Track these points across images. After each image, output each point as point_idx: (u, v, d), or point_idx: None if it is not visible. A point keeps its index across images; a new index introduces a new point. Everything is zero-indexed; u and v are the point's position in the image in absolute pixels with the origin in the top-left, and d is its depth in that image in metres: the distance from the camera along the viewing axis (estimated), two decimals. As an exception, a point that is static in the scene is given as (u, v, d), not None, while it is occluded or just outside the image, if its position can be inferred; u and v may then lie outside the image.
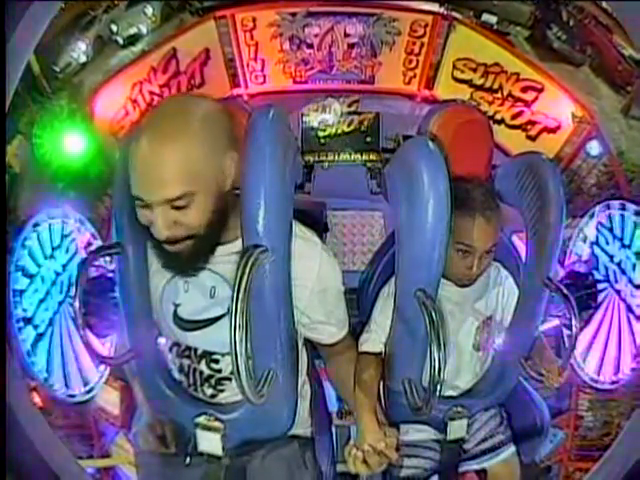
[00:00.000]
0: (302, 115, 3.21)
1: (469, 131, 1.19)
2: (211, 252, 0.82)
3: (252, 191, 0.79)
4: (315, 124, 3.23)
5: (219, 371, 0.92)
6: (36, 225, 1.75)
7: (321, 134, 3.23)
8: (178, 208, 0.75)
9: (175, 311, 0.90)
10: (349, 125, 3.23)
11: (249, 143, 0.80)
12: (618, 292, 1.90)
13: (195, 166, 0.74)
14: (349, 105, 3.23)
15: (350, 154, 3.22)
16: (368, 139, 3.22)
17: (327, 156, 3.22)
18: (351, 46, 3.13)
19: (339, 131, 3.22)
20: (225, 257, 0.85)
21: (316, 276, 0.89)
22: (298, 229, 0.90)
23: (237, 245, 0.83)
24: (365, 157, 3.22)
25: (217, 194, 0.78)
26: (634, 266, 1.89)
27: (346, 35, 3.11)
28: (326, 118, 3.22)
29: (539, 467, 2.03)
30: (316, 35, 3.10)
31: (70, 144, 2.19)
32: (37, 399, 1.78)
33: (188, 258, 0.80)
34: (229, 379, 0.92)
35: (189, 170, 0.74)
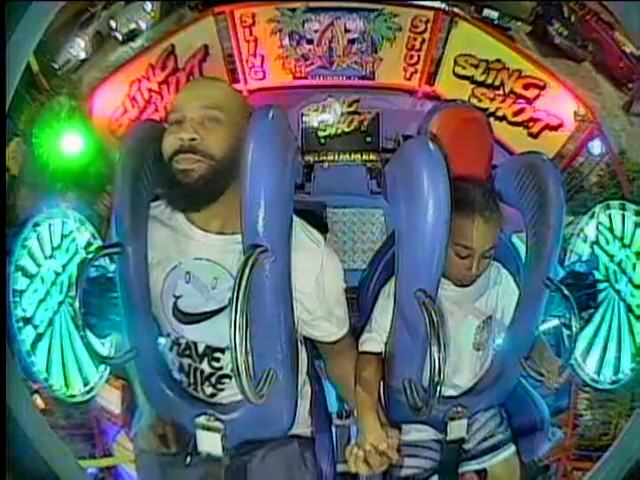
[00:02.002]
0: (302, 115, 3.20)
1: (469, 131, 1.19)
2: (213, 197, 0.84)
3: (252, 191, 0.79)
4: (315, 124, 3.23)
5: (220, 368, 0.92)
6: (36, 225, 1.75)
7: (321, 134, 3.23)
8: (209, 123, 0.83)
9: (175, 303, 0.90)
10: (349, 125, 3.23)
11: (249, 143, 0.79)
12: (618, 292, 1.90)
13: (229, 103, 0.86)
14: (349, 105, 3.23)
15: (350, 154, 3.22)
16: (368, 139, 3.22)
17: (327, 156, 3.22)
18: (351, 42, 3.11)
19: (339, 131, 3.22)
20: (228, 246, 0.86)
21: (319, 269, 0.89)
22: (301, 225, 0.90)
23: (239, 237, 0.83)
24: (365, 157, 3.22)
25: (238, 143, 0.82)
26: (634, 266, 1.89)
27: (346, 31, 3.09)
28: (326, 118, 3.22)
29: (537, 466, 2.04)
30: (316, 31, 3.08)
31: (69, 143, 2.19)
32: (39, 400, 1.78)
33: (197, 183, 0.81)
34: (230, 377, 0.92)
35: (225, 103, 0.85)
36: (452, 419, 1.09)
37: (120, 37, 3.64)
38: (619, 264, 1.90)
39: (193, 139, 0.81)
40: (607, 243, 1.94)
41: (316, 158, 3.19)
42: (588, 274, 1.86)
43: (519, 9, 3.81)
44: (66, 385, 1.78)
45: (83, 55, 3.36)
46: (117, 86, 2.71)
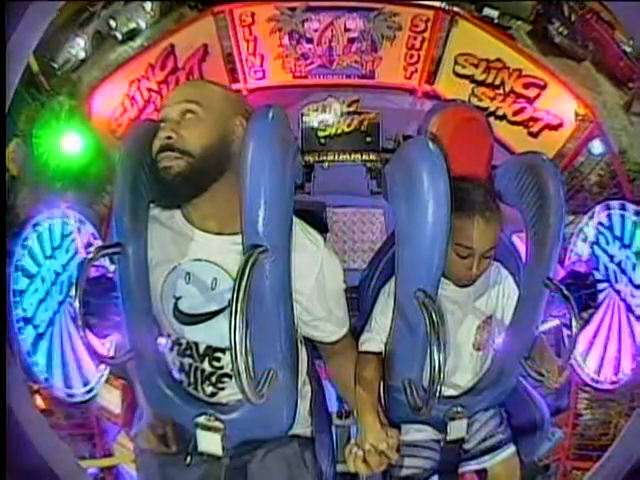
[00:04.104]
0: (302, 115, 3.21)
1: (469, 131, 1.19)
2: (195, 194, 0.84)
3: (252, 191, 0.79)
4: (315, 124, 3.23)
5: (221, 368, 0.92)
6: (36, 225, 1.75)
7: (321, 134, 3.24)
8: (186, 119, 0.83)
9: (175, 304, 0.90)
10: (349, 125, 3.23)
11: (249, 143, 0.79)
12: (618, 292, 1.91)
13: (208, 99, 0.85)
14: (349, 105, 3.23)
15: (350, 154, 3.23)
16: (368, 139, 3.23)
17: (327, 156, 3.22)
18: (351, 41, 3.11)
19: (339, 131, 3.23)
20: (228, 247, 0.86)
21: (318, 270, 0.89)
22: (301, 226, 0.90)
23: (239, 238, 0.83)
24: (365, 157, 3.23)
25: (220, 139, 0.83)
26: (634, 266, 1.89)
27: (346, 30, 3.10)
28: (326, 118, 3.23)
29: (537, 466, 2.04)
30: (316, 30, 3.08)
31: (69, 143, 2.19)
32: (39, 400, 1.78)
33: (176, 179, 0.82)
34: (230, 376, 0.92)
35: (203, 98, 0.85)
36: (452, 419, 1.09)
37: (120, 36, 3.65)
38: (619, 264, 1.90)
39: (169, 137, 0.83)
40: (607, 243, 1.94)
41: (316, 158, 3.20)
42: (588, 274, 1.86)
43: (519, 8, 3.81)
44: (66, 385, 1.78)
45: (83, 54, 3.36)
46: (117, 86, 2.71)
